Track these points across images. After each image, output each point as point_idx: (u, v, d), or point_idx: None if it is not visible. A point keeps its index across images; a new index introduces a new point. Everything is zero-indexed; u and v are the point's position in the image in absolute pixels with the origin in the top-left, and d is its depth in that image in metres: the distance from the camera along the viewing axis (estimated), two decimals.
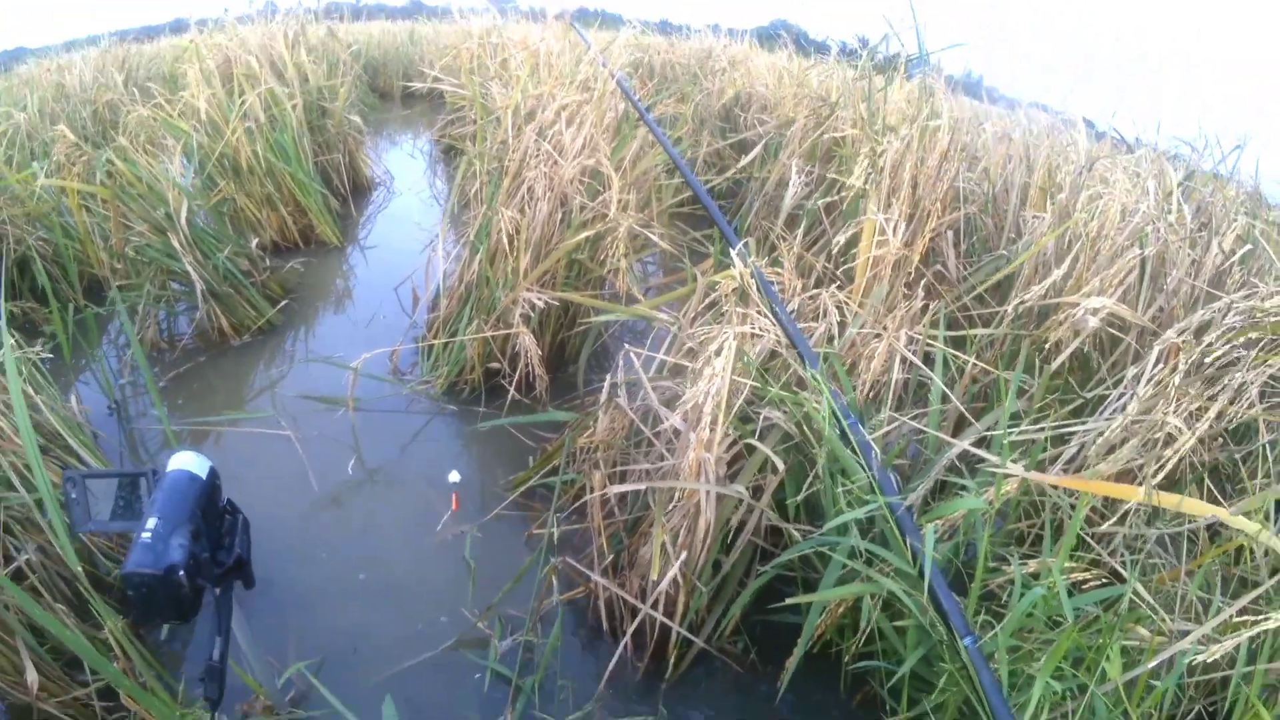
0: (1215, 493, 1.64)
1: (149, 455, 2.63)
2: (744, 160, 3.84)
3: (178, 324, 3.44)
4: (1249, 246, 2.61)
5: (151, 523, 1.06)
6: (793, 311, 1.98)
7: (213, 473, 1.21)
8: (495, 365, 2.86)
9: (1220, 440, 1.86)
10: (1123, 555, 1.58)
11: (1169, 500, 1.39)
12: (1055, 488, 1.56)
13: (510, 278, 2.79)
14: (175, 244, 3.15)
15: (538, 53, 3.70)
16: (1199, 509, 1.37)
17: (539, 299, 2.63)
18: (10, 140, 4.23)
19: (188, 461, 1.18)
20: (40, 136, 4.60)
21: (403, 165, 6.42)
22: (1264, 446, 1.72)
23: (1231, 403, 1.63)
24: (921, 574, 1.37)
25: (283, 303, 3.66)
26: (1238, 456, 1.75)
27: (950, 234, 2.72)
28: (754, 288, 1.90)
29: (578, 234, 2.75)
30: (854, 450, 1.59)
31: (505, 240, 2.75)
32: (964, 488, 1.59)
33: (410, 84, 8.58)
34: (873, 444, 1.58)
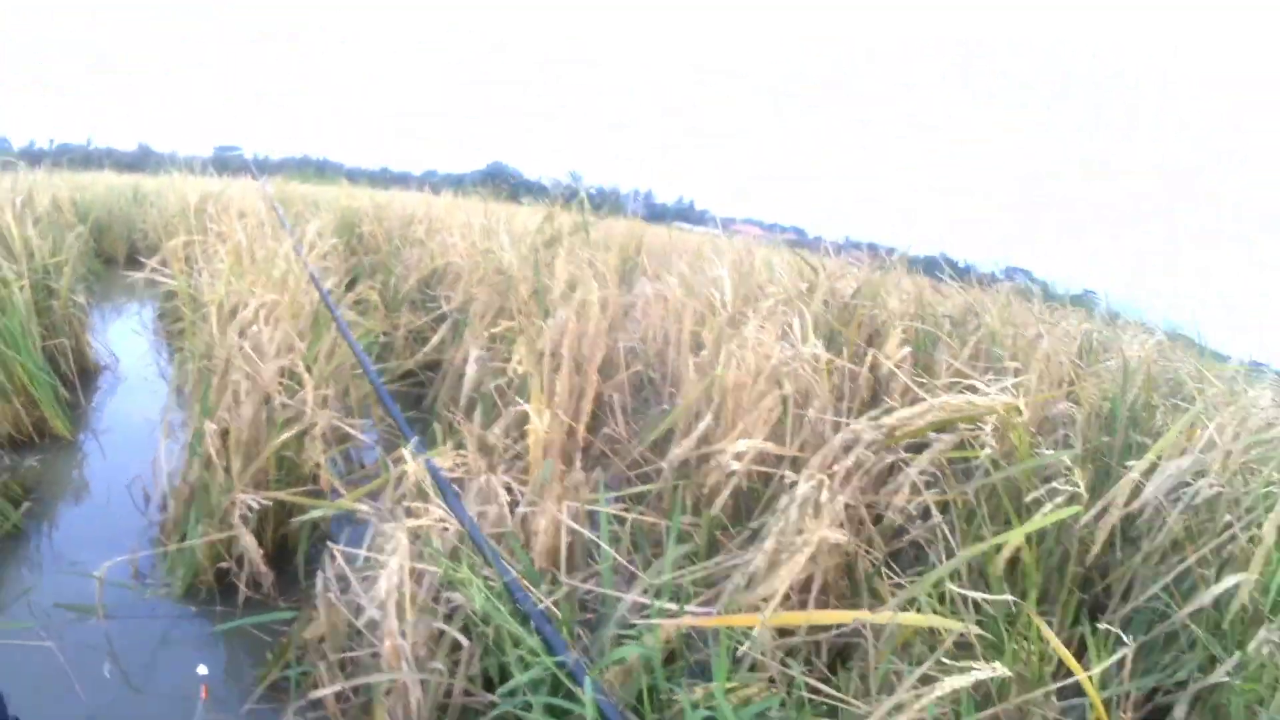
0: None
1: None
2: (432, 341, 4.11)
3: None
4: (906, 350, 3.11)
5: None
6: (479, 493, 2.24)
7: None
8: (225, 565, 2.91)
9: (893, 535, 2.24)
10: (789, 665, 1.87)
11: (794, 619, 1.69)
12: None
13: (227, 480, 2.88)
14: None
15: (239, 245, 3.87)
16: (827, 618, 1.68)
17: (254, 501, 2.72)
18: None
19: None
20: None
21: (128, 343, 6.25)
22: (939, 526, 2.10)
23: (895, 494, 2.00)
24: (601, 715, 1.60)
25: (25, 505, 3.48)
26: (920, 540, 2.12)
27: (617, 396, 3.03)
28: (428, 480, 2.15)
29: (281, 433, 2.88)
30: (525, 619, 1.84)
31: (214, 449, 2.86)
32: (634, 636, 1.86)
33: (134, 246, 8.38)
34: (547, 609, 1.82)
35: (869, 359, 2.98)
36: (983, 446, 2.06)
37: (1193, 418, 2.52)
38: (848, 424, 2.17)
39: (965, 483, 2.17)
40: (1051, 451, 2.13)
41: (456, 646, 1.99)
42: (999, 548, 1.88)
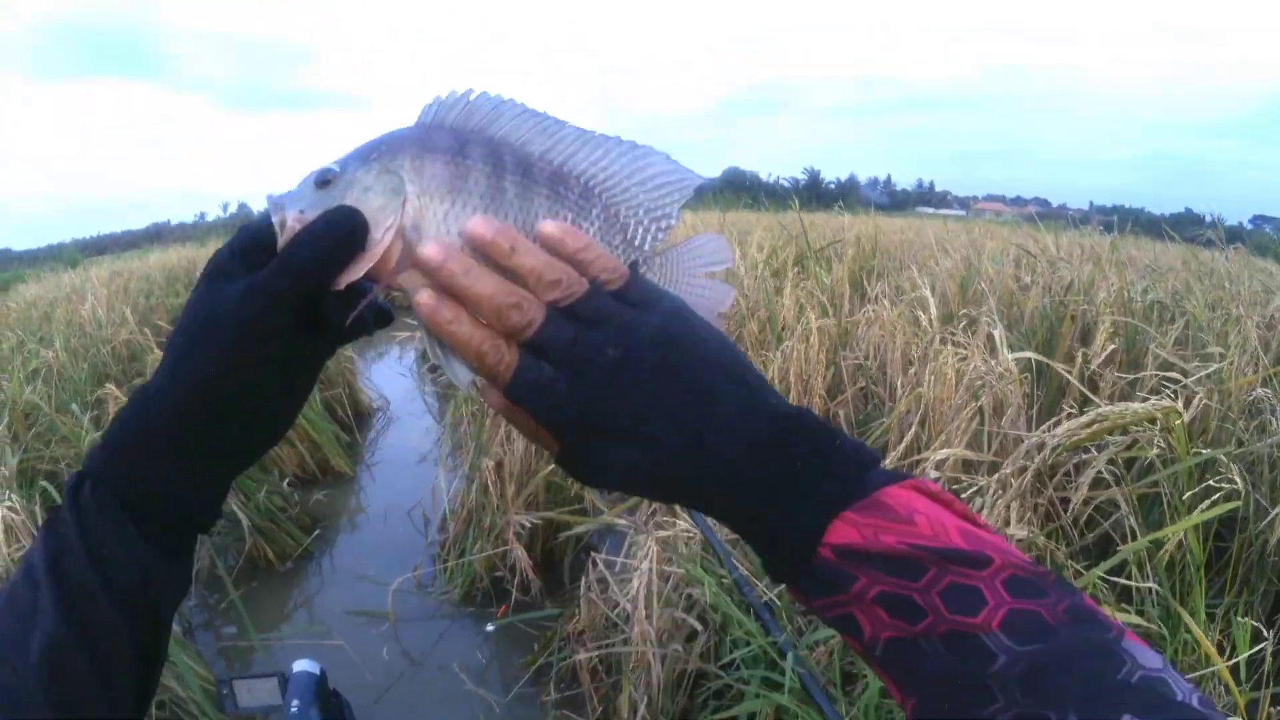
0: None
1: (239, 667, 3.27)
2: None
3: (226, 556, 3.91)
4: (1111, 348, 3.39)
5: (295, 703, 1.47)
6: None
7: (323, 671, 1.59)
8: (499, 574, 3.50)
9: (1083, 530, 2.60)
10: None
11: None
12: None
13: (501, 503, 3.46)
14: None
15: None
16: None
17: (526, 520, 3.33)
18: (45, 378, 4.69)
19: (306, 665, 1.56)
20: (70, 374, 5.02)
21: (395, 385, 7.00)
22: (1126, 518, 2.44)
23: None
24: (803, 685, 1.98)
25: (315, 532, 4.20)
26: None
27: (843, 412, 3.48)
28: None
29: (549, 464, 3.41)
30: (749, 608, 2.28)
31: (490, 479, 3.48)
32: None
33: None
34: (770, 600, 2.26)
35: (1078, 359, 3.27)
36: (1152, 446, 2.39)
37: None
38: (1027, 436, 2.52)
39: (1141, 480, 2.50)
40: (1207, 450, 2.40)
41: (693, 633, 2.53)
42: (1163, 543, 2.14)
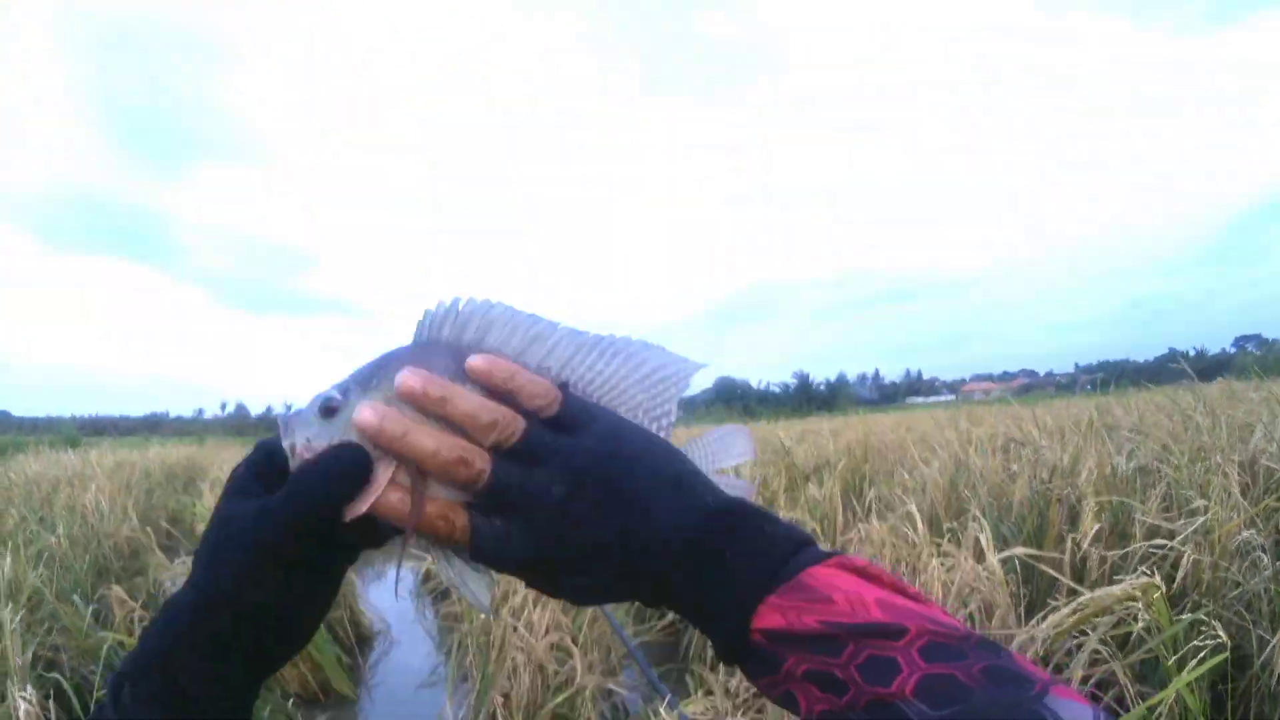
0: None
1: None
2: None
3: None
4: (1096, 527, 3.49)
5: None
6: None
7: None
8: None
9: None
10: None
11: None
12: None
13: None
14: None
15: None
16: None
17: None
18: (47, 563, 4.60)
19: None
20: (71, 563, 4.99)
21: (396, 608, 6.90)
22: (1126, 687, 2.45)
23: None
24: None
25: None
26: None
27: None
28: None
29: (556, 697, 3.51)
30: None
31: (499, 711, 3.50)
32: None
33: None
34: None
35: (1068, 542, 3.35)
36: (1138, 621, 2.46)
37: None
38: (1017, 632, 2.58)
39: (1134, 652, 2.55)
40: (1187, 616, 2.47)
41: None
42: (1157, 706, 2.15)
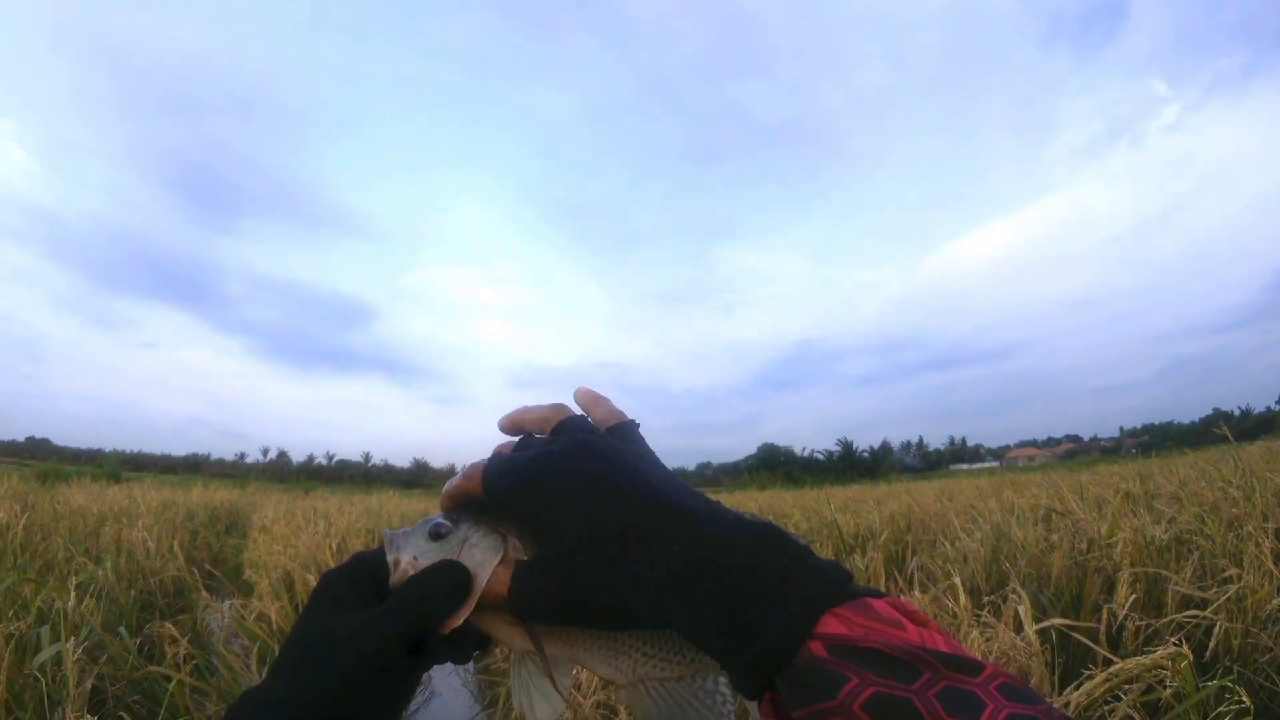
0: None
1: None
2: None
3: None
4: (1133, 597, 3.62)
5: None
6: None
7: None
8: None
9: None
10: None
11: None
12: None
13: None
14: None
15: None
16: None
17: None
18: (94, 595, 4.57)
19: None
20: (118, 596, 5.11)
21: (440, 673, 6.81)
22: None
23: None
24: None
25: None
26: None
27: None
28: None
29: None
30: None
31: None
32: None
33: None
34: None
35: (1105, 612, 3.46)
36: (1166, 687, 2.60)
37: None
38: (1052, 700, 2.71)
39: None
40: (1213, 682, 2.60)
41: None
42: None
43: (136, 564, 6.40)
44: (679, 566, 0.46)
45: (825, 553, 6.32)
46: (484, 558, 0.53)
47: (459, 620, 0.51)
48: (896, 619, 0.42)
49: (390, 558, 0.54)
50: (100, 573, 5.17)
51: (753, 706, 0.46)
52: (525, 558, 0.53)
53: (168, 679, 3.57)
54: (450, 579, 0.52)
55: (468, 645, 0.54)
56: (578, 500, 0.50)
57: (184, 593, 6.21)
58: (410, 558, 0.54)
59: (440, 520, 0.55)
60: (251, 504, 15.82)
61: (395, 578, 0.54)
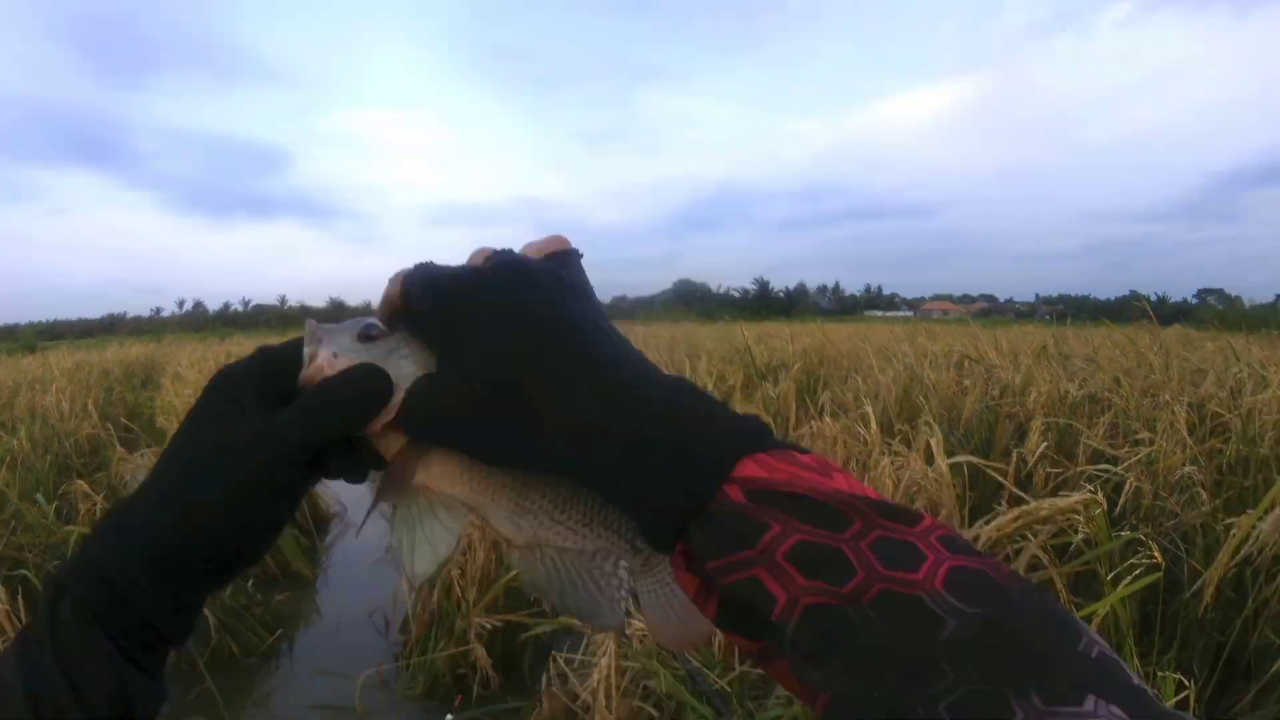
0: None
1: None
2: None
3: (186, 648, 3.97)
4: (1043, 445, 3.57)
5: None
6: None
7: None
8: (462, 671, 3.59)
9: None
10: None
11: None
12: None
13: (464, 607, 3.57)
14: None
15: None
16: None
17: (488, 623, 3.47)
18: (10, 466, 4.70)
19: None
20: (34, 463, 5.18)
21: (351, 490, 6.68)
22: (1059, 594, 2.57)
23: None
24: None
25: (278, 631, 4.22)
26: None
27: None
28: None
29: (509, 572, 3.55)
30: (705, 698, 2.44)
31: (454, 584, 3.61)
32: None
33: None
34: (721, 688, 2.41)
35: (1014, 457, 3.42)
36: (1077, 532, 2.54)
37: None
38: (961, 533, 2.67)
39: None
40: (1126, 533, 2.56)
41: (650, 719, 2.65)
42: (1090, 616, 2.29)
43: (51, 429, 6.43)
44: (589, 403, 0.42)
45: (737, 380, 6.36)
46: (411, 371, 0.47)
47: (364, 428, 0.46)
48: (823, 466, 0.38)
49: (307, 349, 0.49)
50: (15, 442, 5.25)
51: (653, 587, 0.47)
52: None
53: (84, 536, 3.48)
54: (370, 383, 0.46)
55: (363, 464, 0.49)
56: (493, 320, 0.45)
57: (100, 450, 6.24)
58: (330, 354, 0.48)
59: (374, 322, 0.49)
60: (167, 356, 15.85)
61: (308, 372, 0.48)
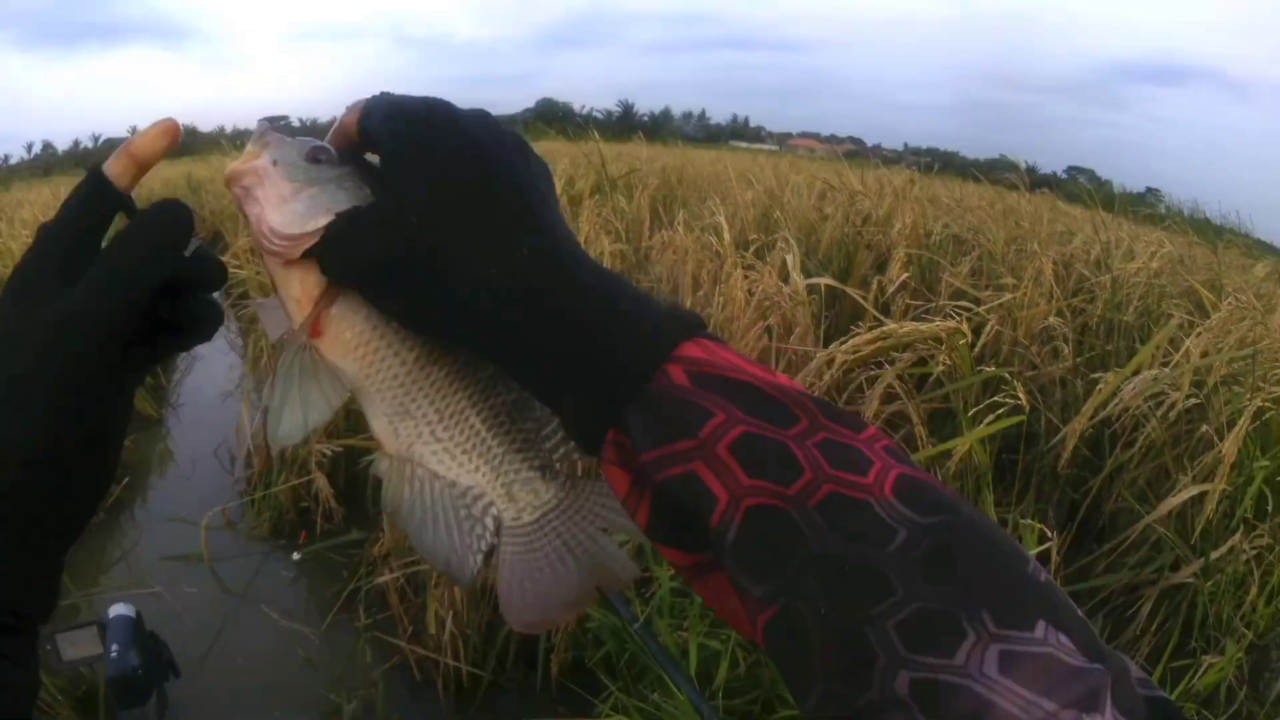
0: None
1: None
2: None
3: None
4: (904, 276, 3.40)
5: (114, 648, 1.58)
6: None
7: (138, 613, 1.70)
8: (305, 504, 3.44)
9: None
10: None
11: None
12: None
13: None
14: None
15: None
16: None
17: (328, 449, 3.24)
18: None
19: (121, 608, 1.66)
20: None
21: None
22: (916, 429, 2.38)
23: None
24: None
25: (125, 479, 3.97)
26: None
27: None
28: None
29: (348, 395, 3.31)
30: None
31: None
32: None
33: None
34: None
35: (873, 285, 3.29)
36: (938, 363, 2.34)
37: (1170, 332, 2.74)
38: (816, 353, 2.44)
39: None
40: (991, 368, 2.41)
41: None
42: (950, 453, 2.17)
43: None
44: (527, 265, 0.37)
45: (587, 185, 6.04)
46: (345, 203, 0.41)
47: (294, 255, 0.40)
48: (765, 364, 0.39)
49: (250, 148, 0.42)
50: None
51: (518, 549, 0.43)
52: None
53: None
54: (166, 214, 0.40)
55: (203, 319, 0.45)
56: (450, 159, 0.38)
57: None
58: (269, 162, 0.42)
59: (326, 146, 0.43)
60: (16, 202, 14.26)
61: (236, 169, 0.42)
